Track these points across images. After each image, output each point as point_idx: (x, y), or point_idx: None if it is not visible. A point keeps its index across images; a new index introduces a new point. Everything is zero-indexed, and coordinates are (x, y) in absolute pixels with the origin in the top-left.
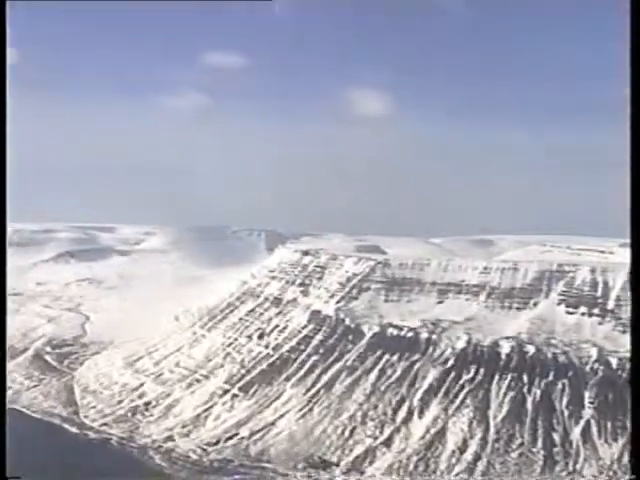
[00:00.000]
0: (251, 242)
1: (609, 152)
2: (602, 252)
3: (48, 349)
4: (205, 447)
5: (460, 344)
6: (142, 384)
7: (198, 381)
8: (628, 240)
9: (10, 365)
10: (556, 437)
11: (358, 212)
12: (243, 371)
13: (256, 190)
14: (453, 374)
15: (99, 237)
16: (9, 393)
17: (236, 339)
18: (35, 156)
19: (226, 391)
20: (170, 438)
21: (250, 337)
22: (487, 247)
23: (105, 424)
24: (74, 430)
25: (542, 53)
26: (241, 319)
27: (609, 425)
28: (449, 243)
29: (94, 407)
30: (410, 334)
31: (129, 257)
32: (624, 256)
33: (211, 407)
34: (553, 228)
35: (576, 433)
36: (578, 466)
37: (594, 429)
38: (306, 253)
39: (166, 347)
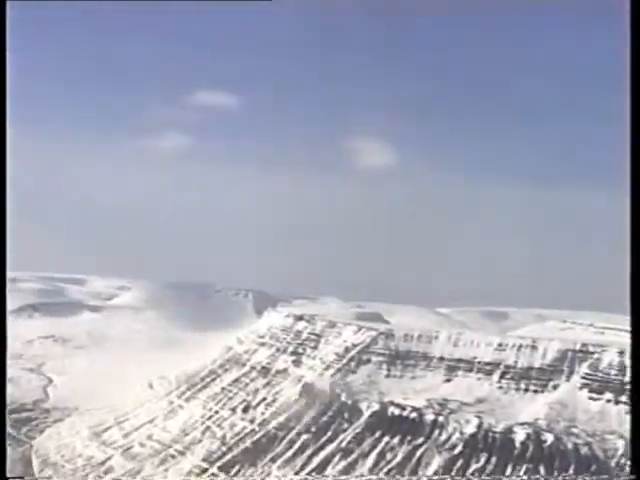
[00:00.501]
0: (237, 303)
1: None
2: (624, 330)
3: (7, 416)
4: None
5: (470, 429)
6: (109, 458)
7: (173, 457)
8: None
9: None
10: None
11: (357, 274)
12: (224, 448)
13: (244, 244)
14: (461, 462)
15: (67, 289)
16: None
17: (217, 412)
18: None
19: (204, 470)
20: None
21: (233, 410)
22: (500, 320)
23: None
24: None
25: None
26: (224, 389)
27: None
28: (458, 314)
29: None
30: (414, 414)
31: (100, 314)
32: None
33: None
34: (573, 302)
35: None
36: None
37: None
38: (300, 318)
39: (138, 417)
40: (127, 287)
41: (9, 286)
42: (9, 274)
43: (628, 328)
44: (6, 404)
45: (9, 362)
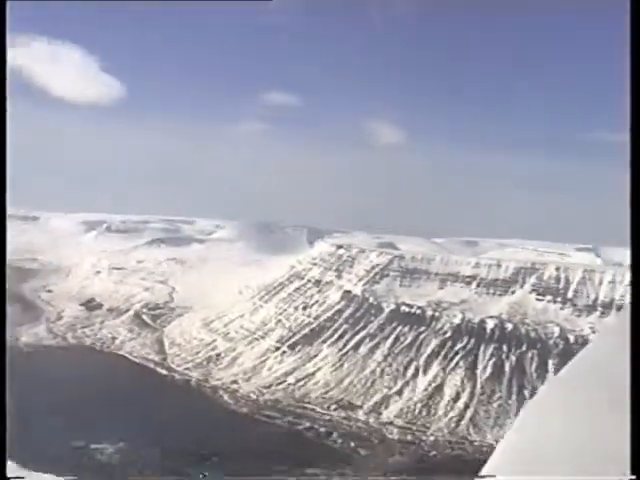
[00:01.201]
0: (295, 236)
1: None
2: (561, 254)
3: (145, 311)
4: (261, 390)
5: (456, 320)
6: (214, 340)
7: (256, 340)
8: (581, 245)
9: (117, 322)
10: (527, 393)
11: (376, 217)
12: (290, 334)
13: (300, 196)
14: (450, 343)
15: (182, 228)
16: (116, 342)
17: (285, 309)
18: (137, 163)
19: (277, 348)
20: (235, 382)
21: (296, 308)
22: (474, 247)
23: (187, 369)
24: (164, 372)
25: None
26: (289, 294)
27: None
28: (447, 243)
29: (178, 355)
30: (418, 311)
31: (204, 244)
32: (578, 258)
33: (266, 360)
34: (524, 234)
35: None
36: None
37: None
38: (340, 246)
39: (232, 313)
40: (221, 226)
41: (143, 226)
42: (144, 217)
43: (559, 251)
44: (6, 404)
45: (146, 277)
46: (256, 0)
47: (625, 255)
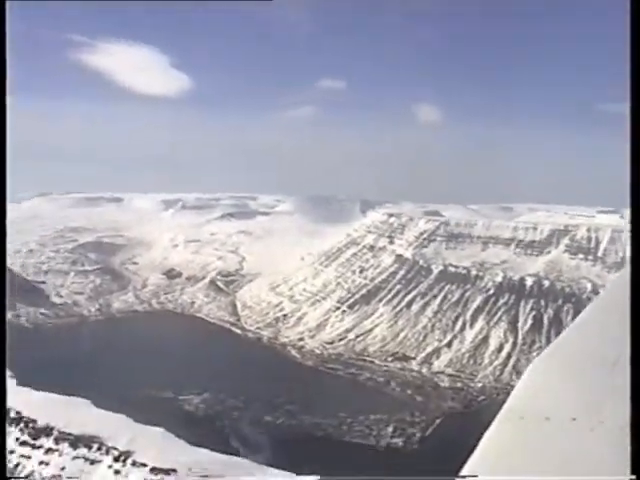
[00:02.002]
0: (350, 207)
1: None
2: (588, 216)
3: (219, 278)
4: (325, 345)
5: (498, 278)
6: (281, 302)
7: (318, 301)
8: (604, 208)
9: (194, 288)
10: None
11: (420, 188)
12: (349, 295)
13: (353, 172)
14: (493, 299)
15: (248, 203)
16: (195, 306)
17: (344, 273)
18: (205, 148)
19: (338, 308)
20: (301, 339)
21: (354, 272)
22: (508, 212)
23: (258, 328)
24: (238, 331)
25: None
26: (347, 259)
27: None
28: (482, 209)
29: (250, 317)
30: (464, 271)
31: (268, 217)
32: (603, 219)
33: (328, 319)
34: (551, 199)
35: None
36: None
37: None
38: (391, 215)
39: (296, 278)
40: (282, 200)
41: (215, 202)
42: (215, 195)
43: (585, 214)
44: (6, 404)
45: (219, 247)
46: (256, 0)
47: None
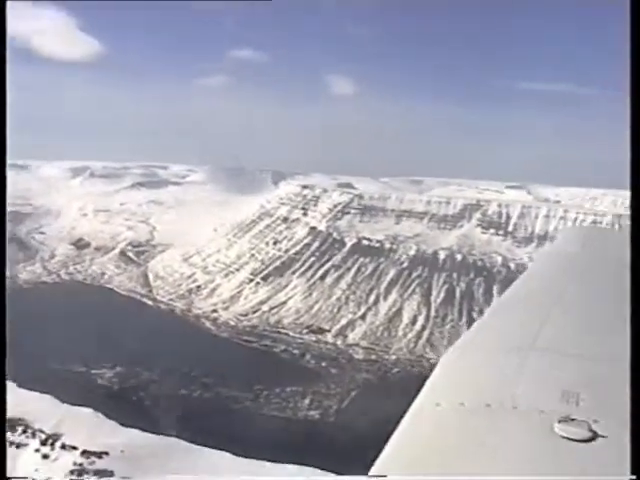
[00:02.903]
0: (262, 178)
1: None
2: (497, 191)
3: (130, 248)
4: (239, 317)
5: (412, 252)
6: (194, 273)
7: (232, 272)
8: (511, 183)
9: (104, 259)
10: (475, 315)
11: (332, 159)
12: (263, 266)
13: (265, 143)
14: (407, 272)
15: (158, 173)
16: (105, 277)
17: (257, 245)
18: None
19: (252, 280)
20: (215, 311)
21: (267, 244)
22: (418, 185)
23: (171, 299)
24: (150, 303)
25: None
26: (261, 231)
27: None
28: (394, 182)
29: (163, 288)
30: (377, 244)
31: (180, 187)
32: (512, 195)
33: (242, 291)
34: (461, 173)
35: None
36: None
37: None
38: (305, 187)
39: (209, 249)
40: (194, 170)
41: (124, 171)
42: (124, 164)
43: (494, 189)
44: (6, 403)
45: (130, 217)
46: (256, 0)
47: (552, 192)
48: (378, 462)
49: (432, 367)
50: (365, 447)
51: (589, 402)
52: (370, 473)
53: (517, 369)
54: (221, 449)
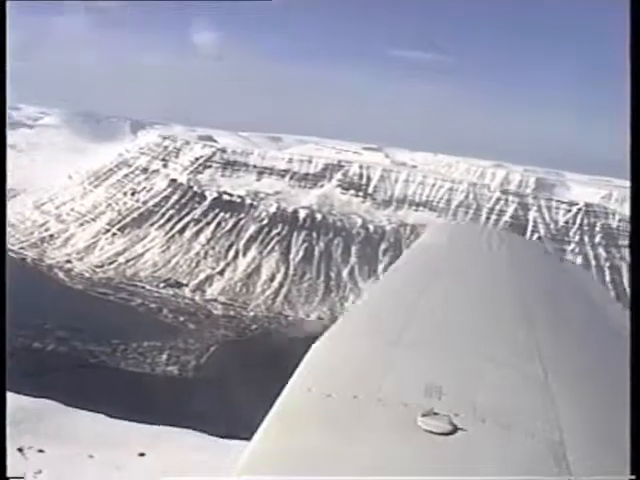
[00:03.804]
0: (119, 126)
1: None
2: (355, 152)
3: None
4: (94, 268)
5: (272, 209)
6: (47, 222)
7: (87, 222)
8: (367, 145)
9: None
10: (332, 274)
11: (190, 111)
12: (120, 217)
13: (124, 90)
14: (267, 229)
15: (10, 114)
16: None
17: (115, 194)
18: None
19: (108, 230)
20: (69, 261)
21: (125, 194)
22: (277, 142)
23: (22, 248)
24: None
25: None
26: (119, 180)
27: (366, 268)
28: (252, 137)
29: (13, 236)
30: (238, 200)
31: (32, 130)
32: (369, 156)
33: (97, 241)
34: (319, 132)
35: (345, 272)
36: (345, 293)
37: (357, 270)
38: (166, 138)
39: (63, 197)
40: (47, 113)
41: None
42: None
43: (353, 150)
44: (6, 403)
45: None
46: (256, 0)
47: (408, 156)
48: (248, 449)
49: (289, 324)
50: (226, 404)
51: (451, 396)
52: (242, 455)
53: (384, 362)
54: (78, 407)
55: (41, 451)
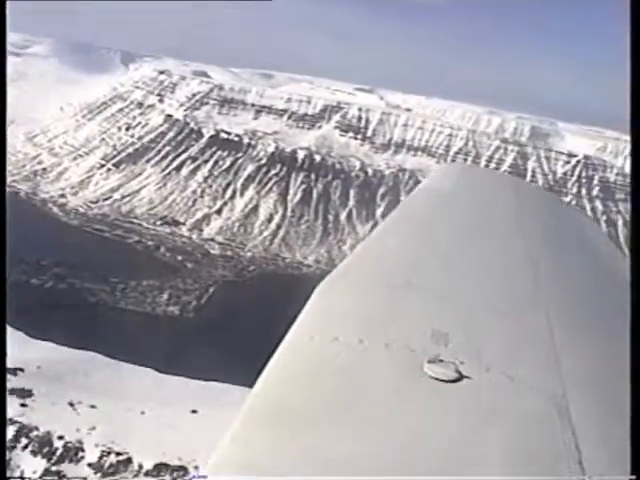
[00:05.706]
0: (110, 57)
1: None
2: (349, 93)
3: None
4: (89, 204)
5: (270, 149)
6: (39, 154)
7: (81, 156)
8: (359, 85)
9: None
10: (330, 217)
11: (184, 44)
12: (115, 152)
13: (112, 20)
14: (265, 169)
15: None
16: None
17: (109, 129)
18: None
19: (102, 165)
20: (63, 196)
21: (120, 129)
22: (269, 79)
23: (14, 181)
24: None
25: None
26: (113, 115)
27: (364, 212)
28: (244, 74)
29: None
30: (236, 138)
31: (20, 58)
32: (364, 98)
33: (92, 176)
34: (313, 71)
35: (343, 215)
36: (343, 236)
37: (354, 214)
38: (162, 72)
39: (56, 129)
40: (35, 41)
41: None
42: None
43: (347, 91)
44: (6, 403)
45: None
46: (256, 0)
47: (401, 99)
48: (250, 396)
49: (287, 266)
50: (228, 346)
51: (457, 343)
52: (244, 405)
53: (390, 305)
54: (82, 348)
55: (93, 407)
